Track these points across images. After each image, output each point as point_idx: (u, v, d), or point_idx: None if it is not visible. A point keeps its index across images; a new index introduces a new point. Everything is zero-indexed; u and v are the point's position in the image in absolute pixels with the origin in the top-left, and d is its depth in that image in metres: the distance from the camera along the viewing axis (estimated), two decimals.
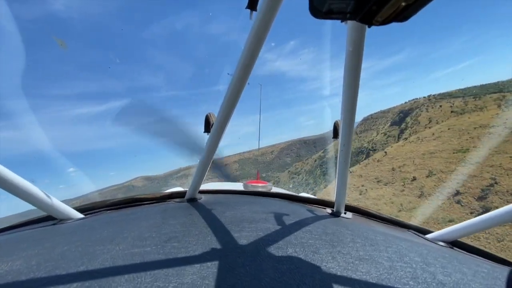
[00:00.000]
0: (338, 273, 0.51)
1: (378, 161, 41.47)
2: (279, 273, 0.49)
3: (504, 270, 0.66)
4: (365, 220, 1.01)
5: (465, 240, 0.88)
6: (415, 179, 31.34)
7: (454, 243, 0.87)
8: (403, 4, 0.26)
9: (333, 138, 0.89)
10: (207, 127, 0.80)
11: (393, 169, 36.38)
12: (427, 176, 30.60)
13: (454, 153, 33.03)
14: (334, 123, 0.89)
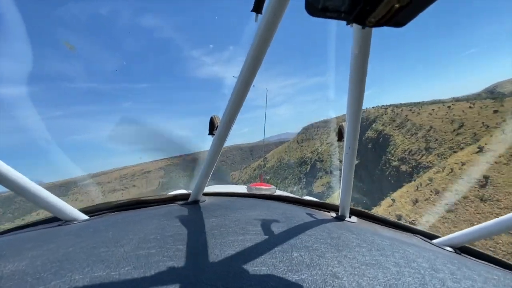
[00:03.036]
0: (345, 278, 0.50)
1: (483, 199, 22.28)
2: (284, 277, 0.49)
3: None
4: (370, 224, 0.99)
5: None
6: None
7: (462, 249, 0.85)
8: (397, 5, 0.26)
9: (337, 141, 0.90)
10: (212, 129, 0.81)
11: None
12: None
13: None
14: (339, 126, 0.88)
